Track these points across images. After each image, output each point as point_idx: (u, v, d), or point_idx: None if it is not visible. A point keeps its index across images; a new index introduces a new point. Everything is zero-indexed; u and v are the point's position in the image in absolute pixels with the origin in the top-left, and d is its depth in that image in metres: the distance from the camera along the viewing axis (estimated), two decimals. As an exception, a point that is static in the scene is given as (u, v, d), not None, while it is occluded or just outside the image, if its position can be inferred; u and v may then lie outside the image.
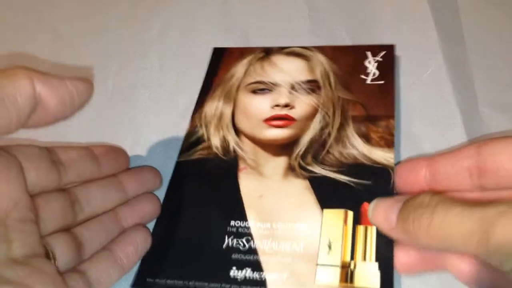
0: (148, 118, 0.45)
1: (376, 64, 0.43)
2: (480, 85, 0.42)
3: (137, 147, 0.43)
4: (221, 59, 0.47)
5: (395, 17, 0.48)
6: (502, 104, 0.40)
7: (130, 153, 0.39)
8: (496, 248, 0.24)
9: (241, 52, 0.47)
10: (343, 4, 0.51)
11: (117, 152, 0.38)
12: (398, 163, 0.36)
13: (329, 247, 0.32)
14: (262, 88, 0.42)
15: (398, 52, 0.45)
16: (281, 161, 0.38)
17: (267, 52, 0.46)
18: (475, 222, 0.25)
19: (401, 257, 0.31)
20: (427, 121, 0.40)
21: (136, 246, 0.34)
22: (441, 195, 0.28)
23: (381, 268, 0.30)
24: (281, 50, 0.46)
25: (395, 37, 0.46)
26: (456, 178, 0.31)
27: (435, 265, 0.31)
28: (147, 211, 0.36)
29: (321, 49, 0.45)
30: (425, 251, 0.30)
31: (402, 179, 0.33)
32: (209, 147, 0.40)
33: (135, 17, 0.51)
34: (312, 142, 0.38)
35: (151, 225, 0.36)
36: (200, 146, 0.40)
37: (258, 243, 0.33)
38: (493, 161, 0.29)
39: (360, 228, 0.32)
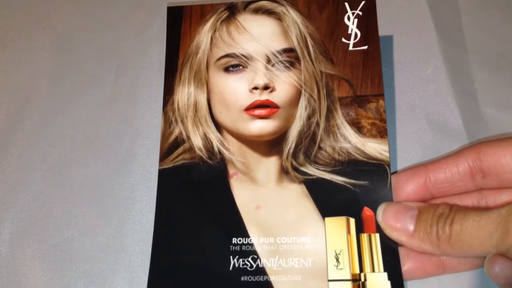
0: (147, 117, 0.44)
1: (356, 20, 0.39)
2: (480, 85, 0.41)
3: (136, 146, 0.42)
4: (180, 23, 0.41)
5: (394, 17, 0.44)
6: (502, 104, 0.40)
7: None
8: None
9: (200, 12, 0.41)
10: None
11: None
12: (395, 172, 0.35)
13: (337, 259, 0.32)
14: (235, 64, 0.38)
15: (398, 52, 0.42)
16: (273, 163, 0.36)
17: (231, 10, 0.40)
18: (491, 223, 0.27)
19: (406, 264, 0.32)
20: (427, 121, 0.39)
21: None
22: (457, 206, 0.29)
23: (390, 278, 0.32)
24: (246, 6, 0.40)
25: (394, 37, 0.44)
26: (458, 182, 0.32)
27: (438, 269, 0.32)
28: None
29: (292, 1, 0.40)
30: (429, 256, 0.32)
31: (401, 188, 0.33)
32: (191, 148, 0.37)
33: (135, 16, 0.49)
34: (301, 136, 0.36)
35: (148, 249, 0.35)
36: (181, 149, 0.37)
37: (265, 261, 0.33)
38: (497, 163, 0.31)
39: (364, 237, 0.33)
